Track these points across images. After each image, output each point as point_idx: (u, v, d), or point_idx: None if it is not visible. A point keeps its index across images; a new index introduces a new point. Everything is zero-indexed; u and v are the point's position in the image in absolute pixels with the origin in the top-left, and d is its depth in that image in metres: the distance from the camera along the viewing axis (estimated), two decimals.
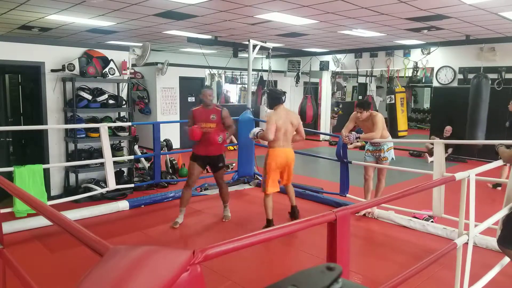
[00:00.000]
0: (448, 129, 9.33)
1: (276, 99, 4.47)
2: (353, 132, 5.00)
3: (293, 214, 4.86)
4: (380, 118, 4.89)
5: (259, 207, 5.66)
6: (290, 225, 1.57)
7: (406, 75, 11.36)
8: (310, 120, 11.18)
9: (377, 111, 6.18)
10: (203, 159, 4.67)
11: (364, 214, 5.02)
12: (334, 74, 13.40)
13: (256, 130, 4.60)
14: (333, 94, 14.03)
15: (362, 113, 4.91)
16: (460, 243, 2.52)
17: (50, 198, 5.22)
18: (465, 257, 2.61)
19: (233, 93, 14.57)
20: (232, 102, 13.80)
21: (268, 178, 4.40)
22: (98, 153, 5.54)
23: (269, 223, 4.48)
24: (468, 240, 2.59)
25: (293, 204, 4.86)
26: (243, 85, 14.18)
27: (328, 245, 1.65)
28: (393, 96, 9.98)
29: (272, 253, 4.00)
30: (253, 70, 9.43)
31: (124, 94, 6.08)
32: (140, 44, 6.91)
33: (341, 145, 5.19)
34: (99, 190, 5.35)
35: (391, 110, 9.92)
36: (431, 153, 8.52)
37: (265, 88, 9.74)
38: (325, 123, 13.33)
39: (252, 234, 1.35)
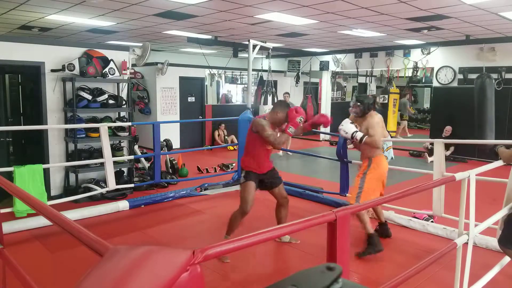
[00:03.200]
0: (448, 129, 9.33)
1: (373, 103, 4.03)
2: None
3: (385, 232, 4.29)
4: (379, 119, 4.86)
5: (259, 207, 5.66)
6: (290, 225, 1.57)
7: (406, 75, 11.37)
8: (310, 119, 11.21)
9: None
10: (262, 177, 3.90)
11: None
12: (334, 74, 13.40)
13: (351, 128, 3.91)
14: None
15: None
16: (460, 243, 2.52)
17: (50, 198, 5.22)
18: (465, 257, 2.61)
19: (233, 93, 14.60)
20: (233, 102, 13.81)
21: (372, 190, 3.83)
22: (98, 153, 5.53)
23: (371, 238, 3.82)
24: (468, 240, 2.59)
25: (383, 221, 4.35)
26: (244, 85, 14.19)
27: (328, 245, 1.65)
28: (386, 96, 10.05)
29: (272, 253, 4.00)
30: (253, 70, 9.42)
31: (124, 94, 6.07)
32: (140, 44, 6.91)
33: (342, 144, 5.19)
34: (99, 190, 5.35)
35: (383, 109, 9.98)
36: (430, 152, 8.52)
37: (265, 88, 9.72)
38: None
39: (252, 234, 1.35)
